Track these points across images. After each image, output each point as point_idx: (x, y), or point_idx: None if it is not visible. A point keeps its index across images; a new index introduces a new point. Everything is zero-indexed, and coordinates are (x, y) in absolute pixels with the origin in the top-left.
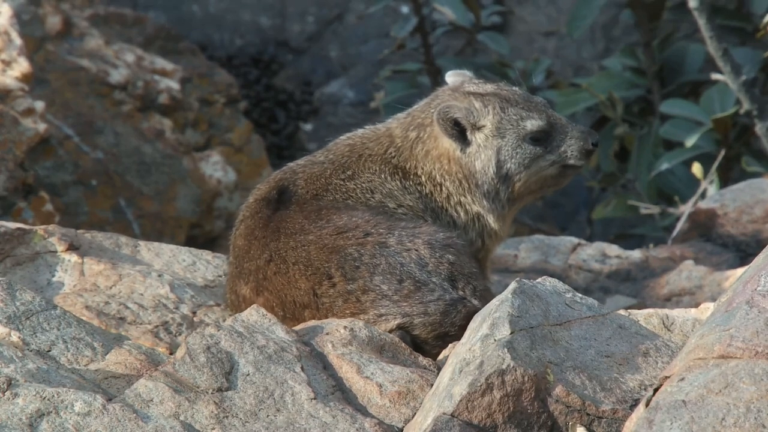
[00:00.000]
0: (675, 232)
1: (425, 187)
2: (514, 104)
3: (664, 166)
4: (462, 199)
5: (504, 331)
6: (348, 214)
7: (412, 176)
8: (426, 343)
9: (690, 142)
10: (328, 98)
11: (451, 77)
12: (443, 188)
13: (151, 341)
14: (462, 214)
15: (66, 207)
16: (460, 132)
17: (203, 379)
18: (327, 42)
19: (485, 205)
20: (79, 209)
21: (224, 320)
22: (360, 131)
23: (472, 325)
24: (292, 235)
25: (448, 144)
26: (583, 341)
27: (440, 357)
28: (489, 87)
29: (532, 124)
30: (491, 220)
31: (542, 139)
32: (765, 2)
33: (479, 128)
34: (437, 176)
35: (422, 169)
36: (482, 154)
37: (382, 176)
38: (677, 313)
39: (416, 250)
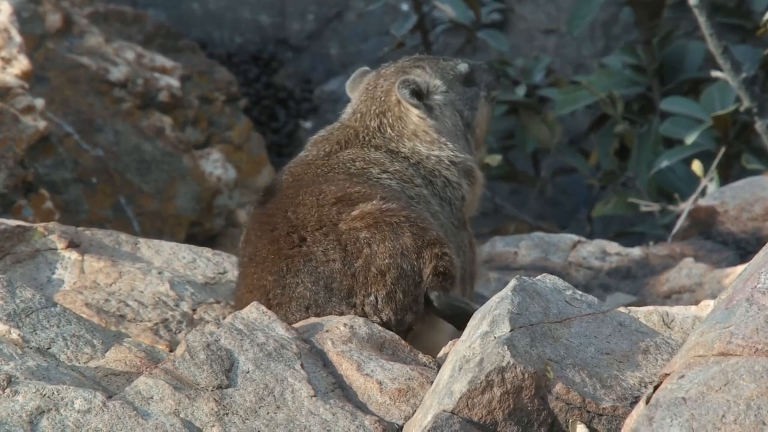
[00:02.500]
0: (675, 230)
1: (413, 159)
2: (436, 59)
3: (664, 163)
4: (453, 159)
5: (504, 329)
6: (319, 190)
7: (396, 153)
8: None
9: (690, 139)
10: (328, 96)
11: (358, 76)
12: (431, 156)
13: (151, 339)
14: (456, 171)
15: (66, 204)
16: (420, 101)
17: (203, 376)
18: (327, 40)
19: (469, 157)
20: (79, 207)
21: (224, 318)
22: (325, 129)
23: (472, 322)
24: (268, 230)
25: (416, 118)
26: (583, 338)
27: (440, 354)
28: (405, 60)
29: (462, 66)
30: (477, 170)
31: (471, 79)
32: (765, 0)
33: (433, 90)
34: (422, 149)
35: (404, 146)
36: (447, 111)
37: (365, 150)
38: (677, 311)
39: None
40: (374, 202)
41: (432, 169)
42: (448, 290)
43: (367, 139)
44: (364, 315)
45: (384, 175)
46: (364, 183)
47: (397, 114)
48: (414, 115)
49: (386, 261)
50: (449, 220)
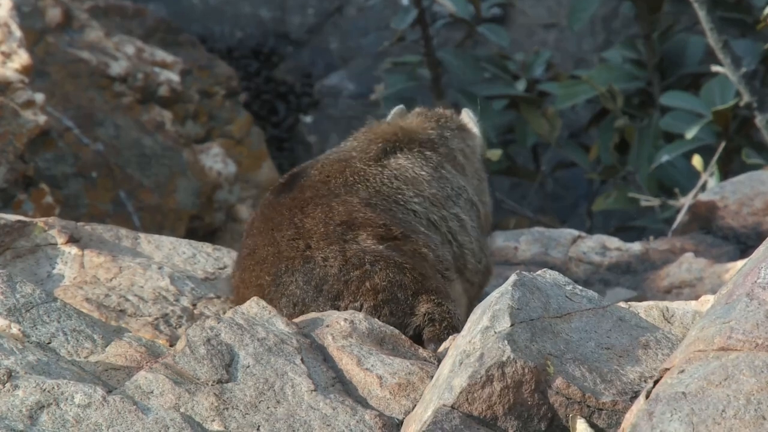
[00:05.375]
0: (675, 225)
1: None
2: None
3: (665, 158)
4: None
5: (504, 324)
6: (328, 211)
7: (449, 152)
8: None
9: (690, 134)
10: (328, 90)
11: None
12: (478, 174)
13: (151, 333)
14: (486, 186)
15: (66, 199)
16: None
17: (203, 371)
18: (327, 34)
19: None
20: (79, 201)
21: (224, 312)
22: (380, 123)
23: (472, 317)
24: (269, 228)
25: (478, 139)
26: (583, 333)
27: (440, 349)
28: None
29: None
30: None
31: None
32: None
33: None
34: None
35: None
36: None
37: (412, 160)
38: (677, 306)
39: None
40: (379, 245)
41: (477, 169)
42: None
43: (424, 138)
44: None
45: (415, 200)
46: (377, 206)
47: (465, 133)
48: (476, 136)
49: (383, 283)
50: (475, 224)
